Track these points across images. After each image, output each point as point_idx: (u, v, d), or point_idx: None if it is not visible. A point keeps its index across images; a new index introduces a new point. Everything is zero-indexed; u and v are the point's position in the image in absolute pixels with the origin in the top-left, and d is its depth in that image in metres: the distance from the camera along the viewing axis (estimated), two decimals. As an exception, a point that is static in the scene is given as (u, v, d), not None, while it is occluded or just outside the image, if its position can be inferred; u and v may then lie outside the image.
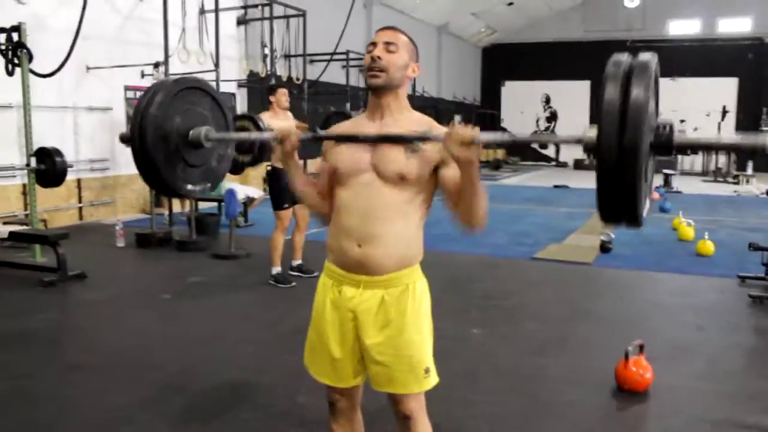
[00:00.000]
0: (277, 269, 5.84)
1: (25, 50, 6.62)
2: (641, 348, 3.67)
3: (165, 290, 5.64)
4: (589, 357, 4.14)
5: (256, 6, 12.03)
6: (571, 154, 24.80)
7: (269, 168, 5.92)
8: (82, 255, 6.83)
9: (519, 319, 4.95)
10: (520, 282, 6.21)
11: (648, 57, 1.65)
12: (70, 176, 9.04)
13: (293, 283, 5.81)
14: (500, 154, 25.21)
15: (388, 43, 2.02)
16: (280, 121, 5.83)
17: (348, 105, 14.78)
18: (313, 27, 12.84)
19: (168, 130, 2.30)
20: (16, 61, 6.73)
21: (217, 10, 9.59)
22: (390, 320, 2.03)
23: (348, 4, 13.08)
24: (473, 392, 3.57)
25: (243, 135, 2.43)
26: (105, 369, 3.90)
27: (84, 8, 6.97)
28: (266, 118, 5.78)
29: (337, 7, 13.56)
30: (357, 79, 16.04)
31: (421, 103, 19.90)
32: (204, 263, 6.82)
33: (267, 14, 11.48)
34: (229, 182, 7.97)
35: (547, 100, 25.89)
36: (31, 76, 7.04)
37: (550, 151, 26.10)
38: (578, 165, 23.68)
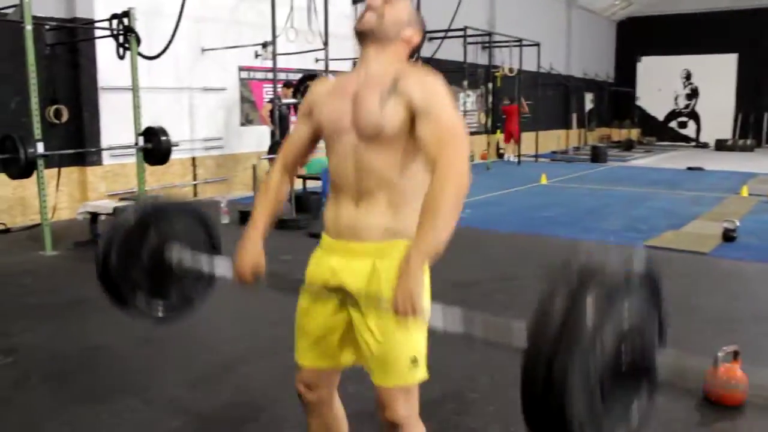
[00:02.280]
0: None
1: (133, 34, 6.88)
2: (735, 355, 3.22)
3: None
4: (681, 360, 3.70)
5: (368, -16, 11.92)
6: (713, 133, 23.04)
7: None
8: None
9: (609, 314, 4.54)
10: (622, 272, 5.73)
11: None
12: (185, 155, 9.46)
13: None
14: (633, 134, 23.83)
15: (384, 7, 1.86)
16: None
17: (465, 82, 14.42)
18: (432, 2, 12.59)
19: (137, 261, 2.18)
20: (127, 45, 7.03)
21: (326, -10, 9.55)
22: (378, 296, 1.82)
23: (465, -22, 12.71)
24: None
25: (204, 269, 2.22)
26: (171, 344, 3.94)
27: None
28: None
29: (455, -18, 13.16)
30: (475, 56, 15.60)
31: (549, 81, 19.17)
32: (298, 242, 6.84)
33: (380, -9, 11.32)
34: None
35: (688, 76, 24.09)
36: (146, 60, 7.37)
37: (690, 131, 24.37)
38: (720, 145, 21.96)
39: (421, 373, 1.89)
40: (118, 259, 2.12)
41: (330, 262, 1.92)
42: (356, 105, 1.82)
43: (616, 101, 24.89)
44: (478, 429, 2.91)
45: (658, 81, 24.36)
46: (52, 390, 3.37)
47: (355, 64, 12.40)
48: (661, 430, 2.93)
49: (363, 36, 1.86)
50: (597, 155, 16.81)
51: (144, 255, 2.17)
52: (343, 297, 1.90)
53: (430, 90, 1.77)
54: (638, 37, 24.49)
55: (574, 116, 22.08)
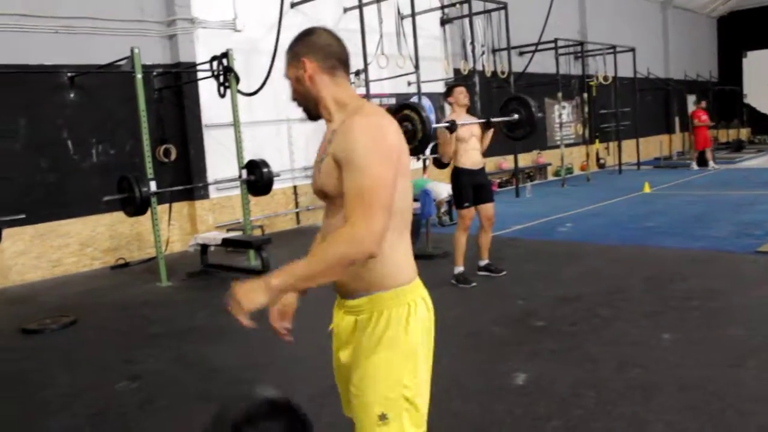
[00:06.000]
0: (459, 269, 5.79)
1: (232, 73, 7.25)
2: None
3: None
4: (802, 371, 3.52)
5: (453, 5, 12.02)
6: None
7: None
8: (292, 257, 7.32)
9: (721, 324, 4.36)
10: (734, 280, 5.49)
11: None
12: (287, 183, 9.81)
13: (473, 284, 5.72)
14: (743, 134, 22.66)
15: (287, 77, 1.88)
16: (460, 120, 5.77)
17: (559, 94, 14.22)
18: (520, 17, 12.57)
19: None
20: (227, 84, 7.42)
21: (413, 15, 9.73)
22: (354, 349, 1.82)
23: (554, -10, 12.60)
24: (645, 408, 3.20)
25: None
26: (276, 368, 4.11)
27: (278, 33, 7.49)
28: (453, 117, 5.79)
29: (542, -5, 13.05)
30: (568, 67, 15.37)
31: (647, 86, 18.60)
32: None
33: (466, 11, 11.40)
34: (429, 181, 8.04)
35: (801, 68, 22.71)
36: (245, 96, 7.76)
37: (806, 126, 22.88)
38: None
39: (396, 429, 1.76)
40: None
41: (335, 315, 1.93)
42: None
43: (722, 101, 23.75)
44: (585, 445, 2.88)
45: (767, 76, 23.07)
46: (175, 412, 3.58)
47: (445, 84, 12.54)
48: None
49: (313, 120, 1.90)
50: (703, 159, 16.09)
51: None
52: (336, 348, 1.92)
53: (350, 139, 1.66)
54: (742, 32, 23.36)
55: (677, 120, 21.25)
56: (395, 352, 1.76)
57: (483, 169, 5.94)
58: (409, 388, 1.77)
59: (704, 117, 15.89)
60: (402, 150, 1.73)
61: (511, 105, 6.17)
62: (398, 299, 1.77)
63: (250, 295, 1.65)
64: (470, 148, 5.75)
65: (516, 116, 6.01)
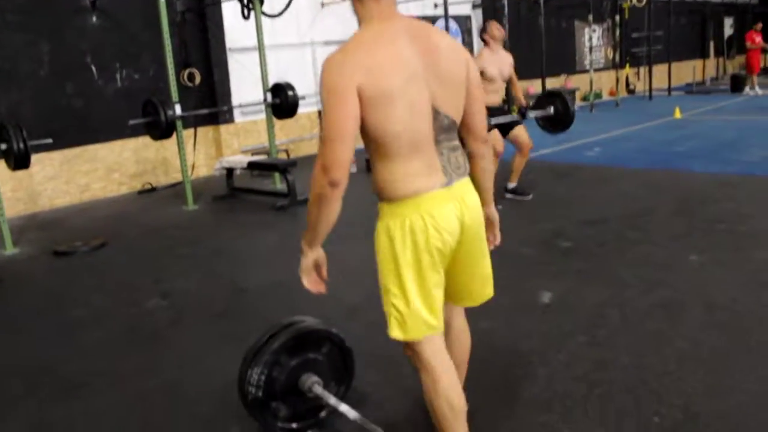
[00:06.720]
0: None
1: (256, -7, 7.10)
2: None
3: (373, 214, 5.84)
4: (832, 292, 3.48)
5: None
6: None
7: None
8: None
9: (749, 246, 4.31)
10: (764, 204, 5.39)
11: None
12: (311, 108, 9.72)
13: (499, 207, 5.65)
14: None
15: None
16: (496, 57, 5.68)
17: (590, 16, 13.78)
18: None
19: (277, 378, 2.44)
20: (251, 5, 7.27)
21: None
22: None
23: None
24: (671, 326, 3.21)
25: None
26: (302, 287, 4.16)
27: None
28: (486, 55, 5.71)
29: None
30: (599, -12, 14.86)
31: (682, 8, 17.92)
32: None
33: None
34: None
35: None
36: (268, 18, 7.61)
37: None
38: None
39: (392, 331, 1.93)
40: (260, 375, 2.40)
41: None
42: None
43: (766, 24, 22.74)
44: (608, 360, 2.89)
45: (811, -3, 22.03)
46: (204, 329, 3.67)
47: (473, 6, 12.20)
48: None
49: None
50: (737, 84, 15.62)
51: (283, 374, 2.45)
52: None
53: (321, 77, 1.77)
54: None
55: (711, 44, 20.54)
56: (382, 258, 1.91)
57: (500, 107, 5.91)
58: (395, 296, 1.89)
59: (758, 39, 15.34)
60: (364, 81, 1.70)
61: (549, 99, 6.14)
62: (392, 210, 1.86)
63: (301, 265, 1.96)
64: (492, 89, 5.72)
65: (551, 109, 5.99)
